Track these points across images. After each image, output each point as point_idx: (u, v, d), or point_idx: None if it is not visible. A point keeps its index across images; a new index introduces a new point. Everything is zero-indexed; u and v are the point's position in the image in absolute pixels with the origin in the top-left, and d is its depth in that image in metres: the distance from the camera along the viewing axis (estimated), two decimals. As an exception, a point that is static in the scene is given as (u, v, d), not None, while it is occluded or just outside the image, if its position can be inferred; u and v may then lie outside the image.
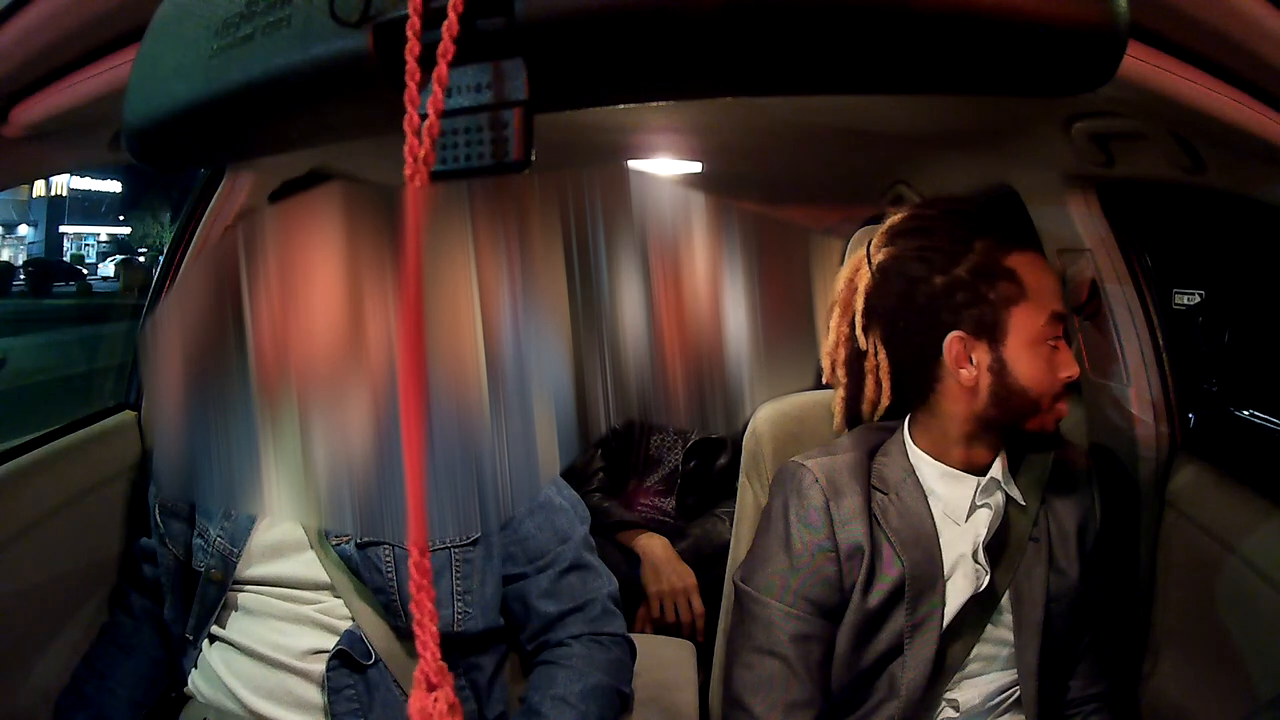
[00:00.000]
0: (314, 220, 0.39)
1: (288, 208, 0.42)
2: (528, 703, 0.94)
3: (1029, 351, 0.86)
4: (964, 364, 0.87)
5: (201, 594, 0.94)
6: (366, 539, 0.92)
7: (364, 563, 0.91)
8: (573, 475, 1.50)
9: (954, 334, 0.87)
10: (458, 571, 0.94)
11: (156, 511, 0.99)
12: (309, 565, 0.93)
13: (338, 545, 0.92)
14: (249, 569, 0.94)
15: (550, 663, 0.96)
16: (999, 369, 0.86)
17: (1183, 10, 0.54)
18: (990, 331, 0.86)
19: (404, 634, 0.91)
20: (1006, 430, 0.90)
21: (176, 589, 0.98)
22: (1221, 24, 0.55)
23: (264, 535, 0.95)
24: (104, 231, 26.93)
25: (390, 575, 0.91)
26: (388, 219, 0.37)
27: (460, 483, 0.37)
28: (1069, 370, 0.87)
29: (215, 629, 0.94)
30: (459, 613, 0.93)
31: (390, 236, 0.37)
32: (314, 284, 0.38)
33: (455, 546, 0.94)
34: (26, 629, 1.00)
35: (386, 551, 0.91)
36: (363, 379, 0.37)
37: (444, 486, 0.36)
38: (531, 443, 0.37)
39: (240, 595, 0.94)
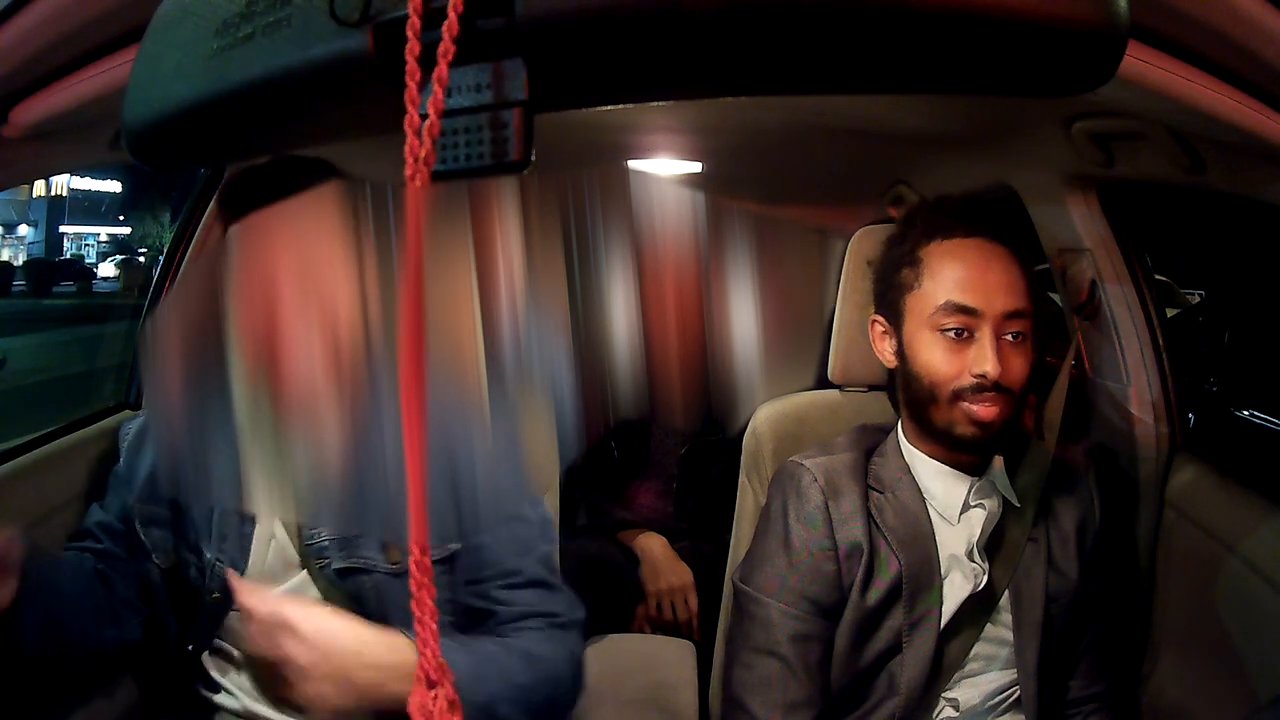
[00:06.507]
0: (313, 220, 0.39)
1: (290, 207, 0.42)
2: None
3: (918, 337, 0.88)
4: (880, 346, 0.94)
5: (206, 610, 0.93)
6: (346, 565, 0.86)
7: (343, 589, 0.86)
8: (572, 475, 1.50)
9: (873, 316, 0.95)
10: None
11: (138, 523, 0.92)
12: (305, 584, 0.91)
13: (322, 569, 0.88)
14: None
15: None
16: (902, 353, 0.91)
17: (1183, 10, 0.54)
18: (893, 315, 0.92)
19: None
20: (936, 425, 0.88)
21: (166, 602, 0.94)
22: (1221, 24, 0.55)
23: (261, 556, 0.93)
24: (104, 231, 26.90)
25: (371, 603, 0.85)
26: (389, 219, 0.37)
27: (444, 487, 0.37)
28: (981, 366, 0.83)
29: (218, 642, 0.93)
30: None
31: (391, 236, 0.37)
32: (314, 283, 0.38)
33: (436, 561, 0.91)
34: None
35: (366, 579, 0.86)
36: (364, 378, 0.37)
37: (436, 490, 0.36)
38: (527, 445, 0.37)
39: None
